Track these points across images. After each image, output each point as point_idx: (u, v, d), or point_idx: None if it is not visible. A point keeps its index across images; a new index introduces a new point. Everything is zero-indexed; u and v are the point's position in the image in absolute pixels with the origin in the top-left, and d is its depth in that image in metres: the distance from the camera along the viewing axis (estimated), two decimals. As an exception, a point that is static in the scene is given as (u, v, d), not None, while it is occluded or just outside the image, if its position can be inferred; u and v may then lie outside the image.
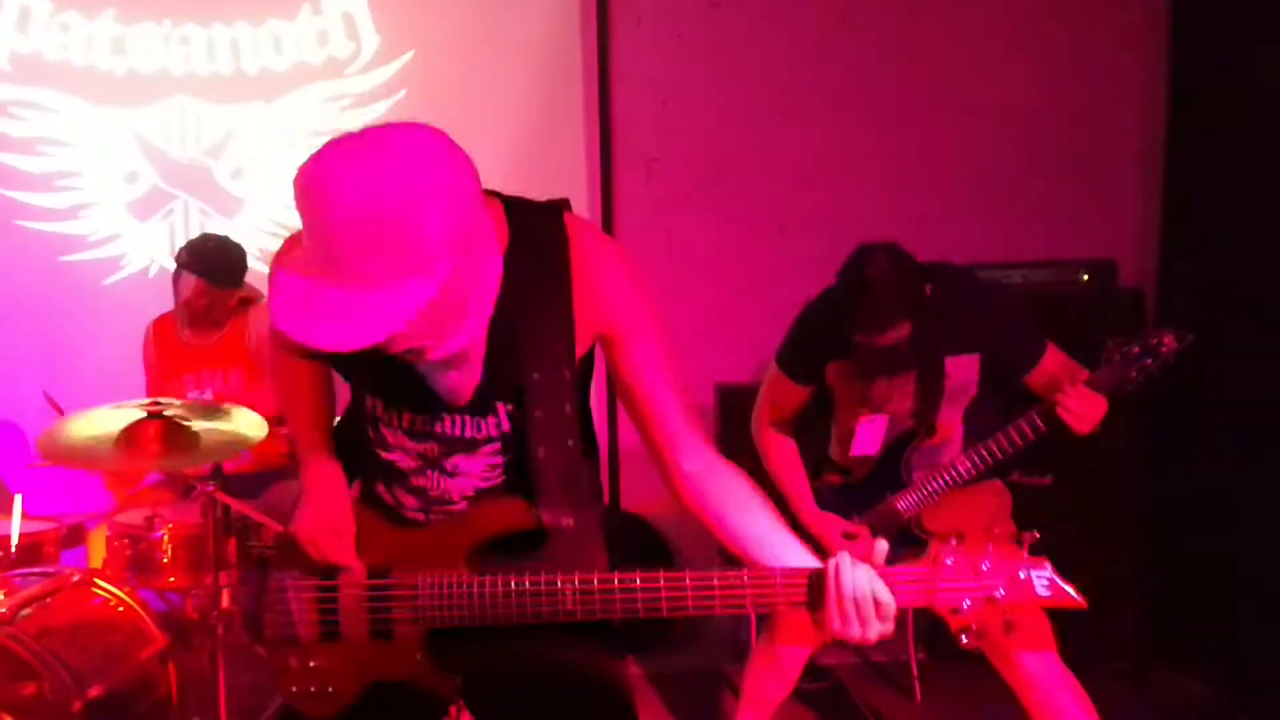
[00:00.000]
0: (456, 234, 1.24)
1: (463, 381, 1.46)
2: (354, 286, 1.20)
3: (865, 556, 1.38)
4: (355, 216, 1.18)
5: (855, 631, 1.34)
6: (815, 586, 1.37)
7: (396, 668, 1.56)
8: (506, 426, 1.53)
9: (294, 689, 1.59)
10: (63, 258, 3.99)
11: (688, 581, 1.41)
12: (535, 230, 1.46)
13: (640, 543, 4.07)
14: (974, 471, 2.42)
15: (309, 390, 1.69)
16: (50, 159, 4.00)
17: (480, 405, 1.51)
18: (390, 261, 1.20)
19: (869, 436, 2.51)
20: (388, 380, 1.52)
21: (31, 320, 3.96)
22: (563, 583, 1.45)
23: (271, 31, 4.02)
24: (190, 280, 3.47)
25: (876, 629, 1.35)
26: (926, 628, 3.62)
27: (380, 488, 1.64)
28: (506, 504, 1.54)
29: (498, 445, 1.54)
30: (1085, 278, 3.51)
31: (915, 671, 3.50)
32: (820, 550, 1.46)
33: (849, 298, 2.34)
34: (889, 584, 1.36)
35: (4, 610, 2.37)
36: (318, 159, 1.24)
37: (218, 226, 4.02)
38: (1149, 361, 2.25)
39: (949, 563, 1.37)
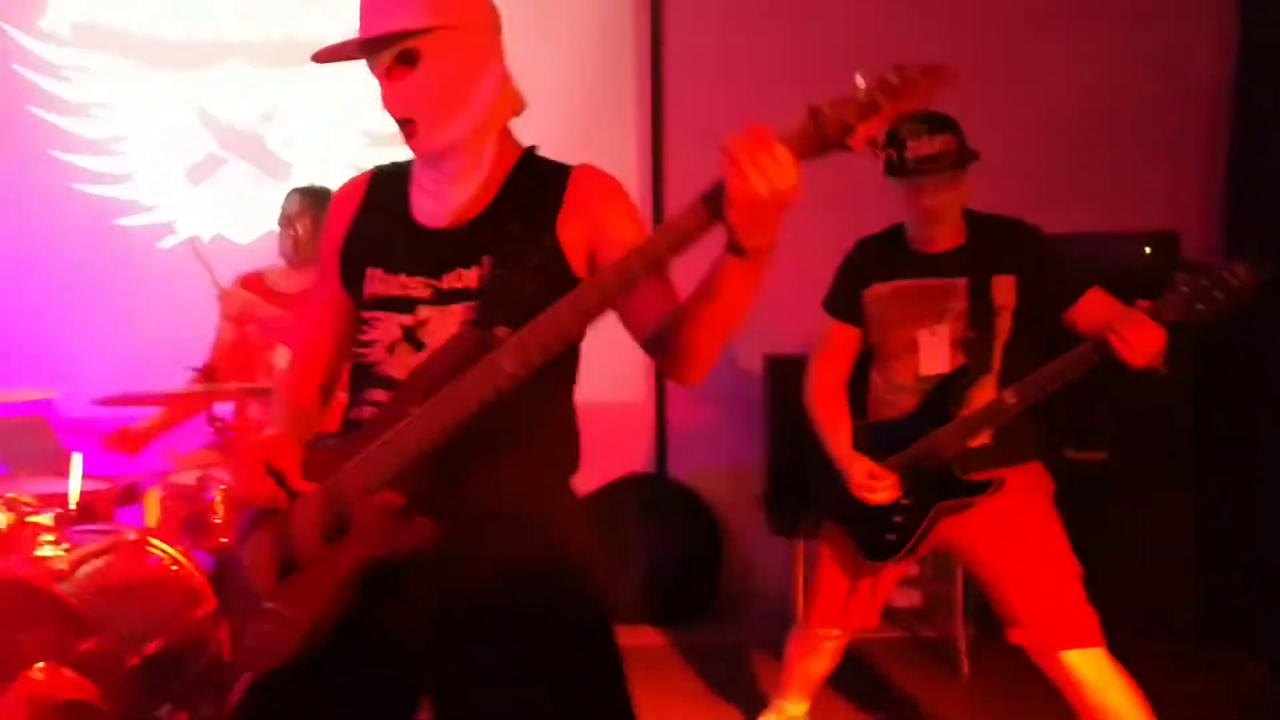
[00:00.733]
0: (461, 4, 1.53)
1: (450, 197, 1.59)
2: (384, 20, 1.51)
3: None
4: None
5: (760, 183, 1.29)
6: (715, 192, 1.35)
7: (362, 549, 1.48)
8: (485, 282, 1.55)
9: (251, 643, 1.57)
10: (118, 221, 4.04)
11: (632, 253, 1.40)
12: (546, 159, 1.67)
13: (687, 512, 4.07)
14: (1020, 406, 2.32)
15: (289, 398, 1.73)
16: (105, 123, 4.04)
17: (466, 256, 1.56)
18: (399, 5, 1.51)
19: (936, 351, 2.45)
20: (391, 242, 1.62)
21: (85, 283, 4.01)
22: (493, 354, 1.43)
23: (326, -3, 4.02)
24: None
25: (785, 174, 1.30)
26: (975, 604, 3.58)
27: (353, 413, 1.62)
28: (441, 349, 1.52)
29: (471, 305, 1.54)
30: (1148, 250, 3.43)
31: (964, 647, 3.46)
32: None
33: (900, 125, 2.38)
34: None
35: (65, 566, 2.41)
36: None
37: (270, 191, 4.03)
38: (1219, 294, 2.10)
39: (826, 108, 1.33)
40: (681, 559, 4.00)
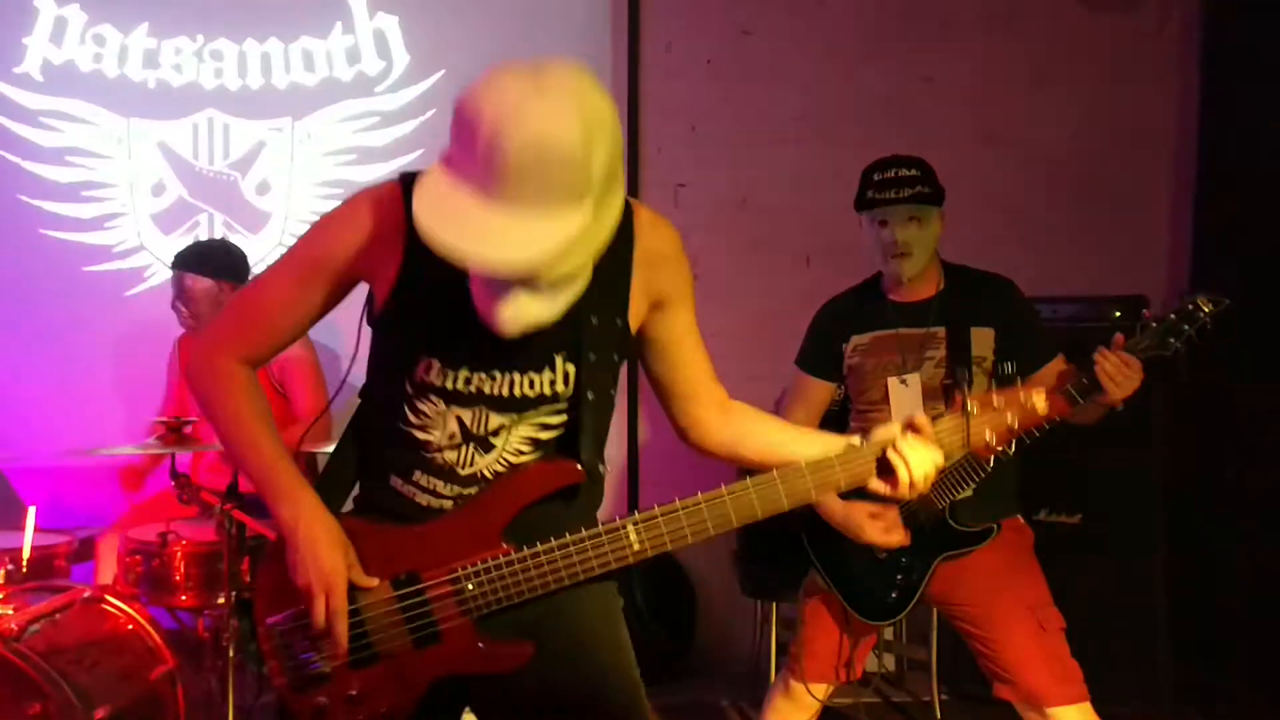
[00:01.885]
0: (611, 167, 1.31)
1: (536, 313, 1.38)
2: (519, 210, 1.25)
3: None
4: (540, 143, 1.24)
5: (917, 491, 1.55)
6: (881, 462, 1.56)
7: (452, 665, 1.51)
8: (563, 385, 1.50)
9: None
10: (86, 268, 3.99)
11: (776, 478, 1.53)
12: None
13: (659, 571, 4.02)
14: (1008, 451, 2.32)
15: (265, 420, 1.55)
16: (78, 169, 4.01)
17: (538, 355, 1.48)
18: (559, 189, 1.26)
19: (904, 402, 2.44)
20: (455, 332, 1.45)
21: (52, 329, 3.95)
22: (623, 523, 1.48)
23: (303, 47, 4.03)
24: (202, 282, 3.30)
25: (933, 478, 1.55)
26: (948, 667, 3.54)
27: (395, 481, 1.54)
28: (532, 469, 1.53)
29: (549, 407, 1.51)
30: (1117, 315, 3.45)
31: (939, 713, 3.42)
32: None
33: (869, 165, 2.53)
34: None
35: (13, 626, 2.33)
36: (498, 87, 1.29)
37: (241, 241, 4.01)
38: (1185, 326, 2.17)
39: (972, 408, 1.60)
40: (653, 618, 3.94)
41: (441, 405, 1.51)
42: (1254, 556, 3.40)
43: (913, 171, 2.48)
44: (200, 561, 2.86)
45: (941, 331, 2.46)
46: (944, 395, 2.44)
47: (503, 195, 1.25)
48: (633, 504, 4.12)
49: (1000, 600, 2.37)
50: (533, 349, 1.47)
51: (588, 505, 1.56)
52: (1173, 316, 2.19)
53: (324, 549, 1.47)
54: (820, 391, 2.62)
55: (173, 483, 2.85)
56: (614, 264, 1.47)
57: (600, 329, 1.49)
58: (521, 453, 1.53)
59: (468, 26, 4.02)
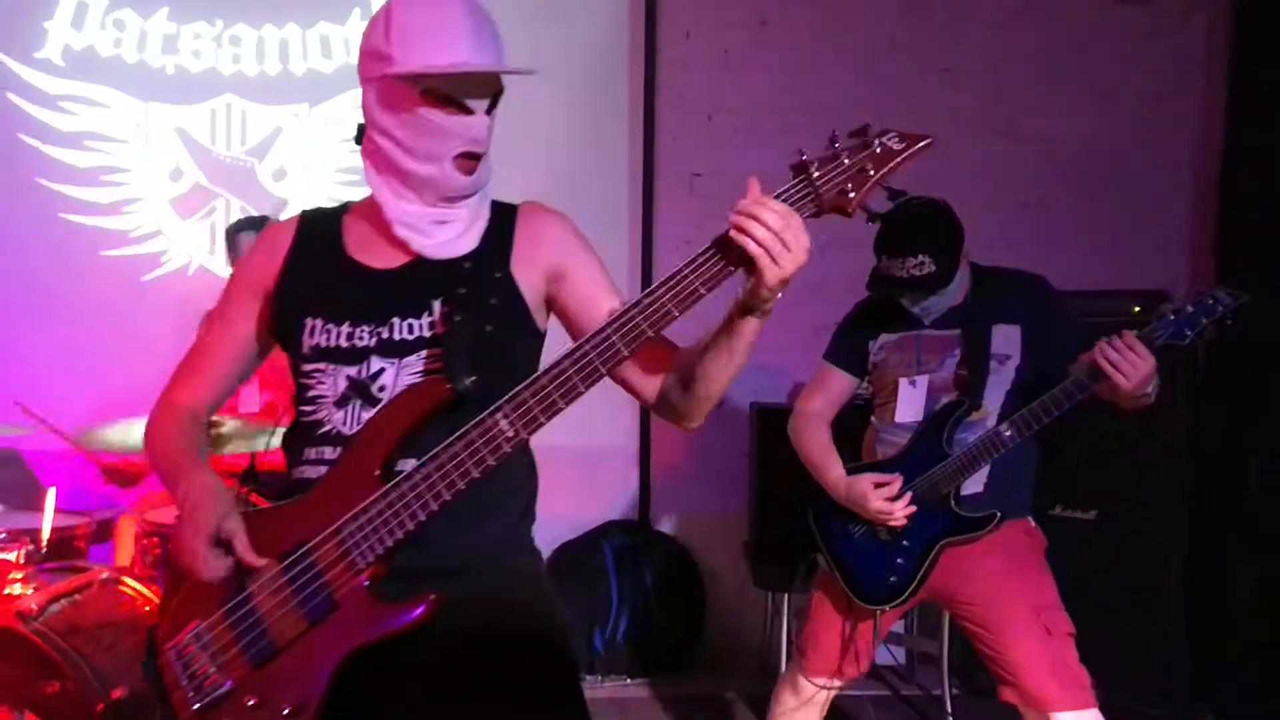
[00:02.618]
0: None
1: (441, 235, 1.53)
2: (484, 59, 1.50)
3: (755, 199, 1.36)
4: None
5: (789, 263, 1.33)
6: (723, 244, 1.36)
7: (356, 634, 1.40)
8: (440, 328, 1.49)
9: None
10: (104, 252, 4.01)
11: (631, 311, 1.38)
12: (496, 203, 1.62)
13: (670, 562, 4.03)
14: (1016, 438, 2.33)
15: (177, 437, 1.62)
16: (96, 154, 4.02)
17: (415, 301, 1.51)
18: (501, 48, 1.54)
19: (911, 401, 2.45)
20: (333, 290, 1.55)
21: (69, 313, 3.97)
22: (489, 412, 1.38)
23: (320, 34, 4.04)
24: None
25: (803, 248, 1.33)
26: (960, 661, 3.54)
27: (294, 473, 1.54)
28: (396, 397, 1.46)
29: (428, 352, 1.49)
30: (1137, 310, 3.43)
31: (949, 707, 3.42)
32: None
33: (881, 226, 2.37)
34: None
35: (32, 606, 2.35)
36: None
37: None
38: (1203, 319, 2.16)
39: (817, 170, 1.37)
40: (664, 609, 3.95)
41: (330, 367, 1.52)
42: (1273, 558, 3.38)
43: (922, 258, 2.38)
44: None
45: (959, 333, 2.46)
46: (956, 386, 2.45)
47: (468, 53, 1.49)
48: (645, 490, 4.12)
49: (1007, 602, 2.35)
50: (410, 295, 1.52)
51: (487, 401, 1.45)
52: (1190, 308, 2.18)
53: (206, 508, 1.47)
54: (841, 382, 2.62)
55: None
56: (497, 233, 1.56)
57: (473, 270, 1.52)
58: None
59: (486, 14, 4.01)
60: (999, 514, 2.38)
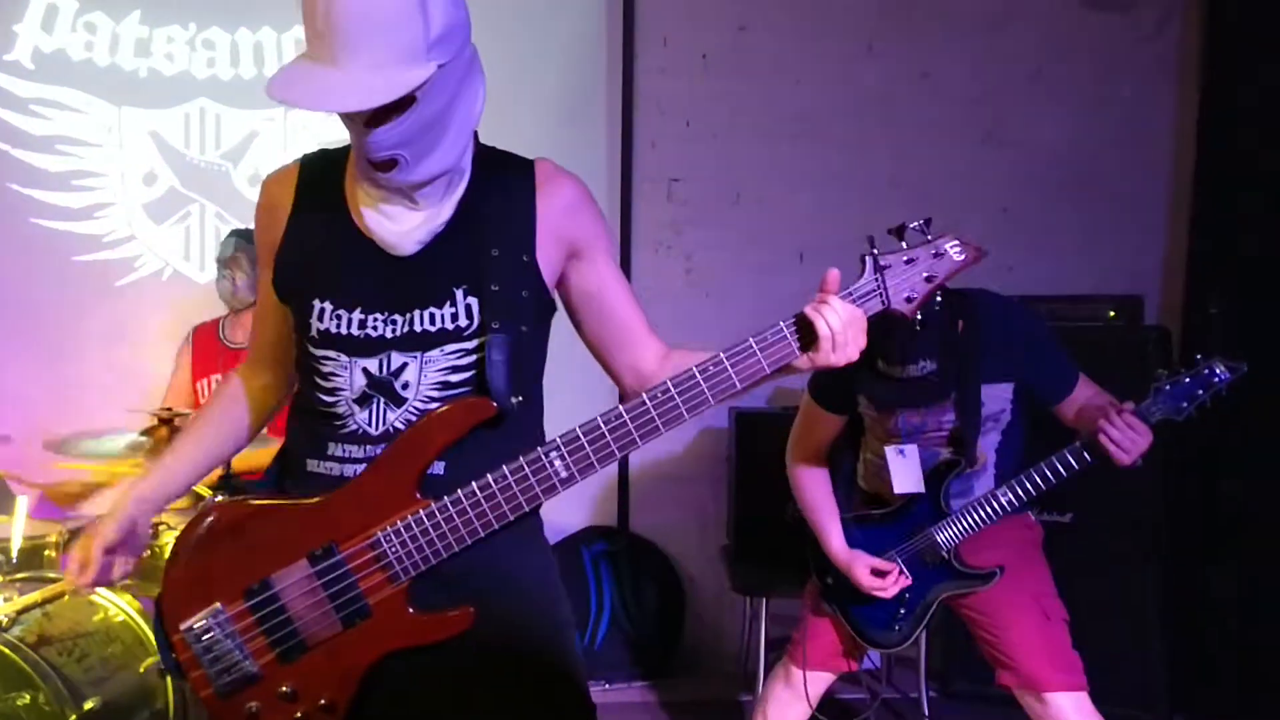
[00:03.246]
0: (451, 34, 1.35)
1: (417, 222, 1.44)
2: (352, 69, 1.30)
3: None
4: (356, 7, 1.28)
5: (844, 356, 1.45)
6: (803, 327, 1.46)
7: (388, 641, 1.42)
8: (465, 320, 1.44)
9: None
10: (76, 257, 3.96)
11: (696, 376, 1.43)
12: (497, 150, 1.56)
13: (649, 567, 4.02)
14: (1015, 504, 2.36)
15: (195, 421, 1.69)
16: (69, 158, 3.98)
17: (436, 289, 1.44)
18: (390, 47, 1.30)
19: (907, 471, 2.42)
20: (343, 270, 1.47)
21: (42, 318, 3.92)
22: (545, 451, 1.40)
23: (296, 37, 4.00)
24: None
25: (860, 345, 1.46)
26: (937, 664, 3.55)
27: (310, 464, 1.50)
28: (439, 411, 1.43)
29: (454, 346, 1.44)
30: (1112, 314, 3.46)
31: (926, 710, 3.43)
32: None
33: (875, 329, 2.26)
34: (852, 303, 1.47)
35: (2, 617, 2.31)
36: None
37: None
38: (1200, 392, 2.18)
39: (886, 264, 1.50)
40: (643, 614, 3.94)
41: (344, 358, 1.46)
42: (1249, 565, 3.41)
43: (923, 362, 2.28)
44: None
45: (950, 400, 2.38)
46: (950, 443, 2.43)
47: (331, 58, 1.31)
48: (624, 495, 4.11)
49: (1007, 589, 2.40)
50: (429, 282, 1.44)
51: (511, 443, 1.44)
52: (1187, 380, 2.19)
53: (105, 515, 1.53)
54: (829, 426, 2.55)
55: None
56: (516, 205, 1.48)
57: (502, 260, 1.44)
58: (432, 400, 1.44)
59: (463, 19, 4.00)
60: (999, 570, 2.40)
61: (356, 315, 1.45)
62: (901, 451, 2.42)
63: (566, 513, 4.04)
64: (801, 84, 4.05)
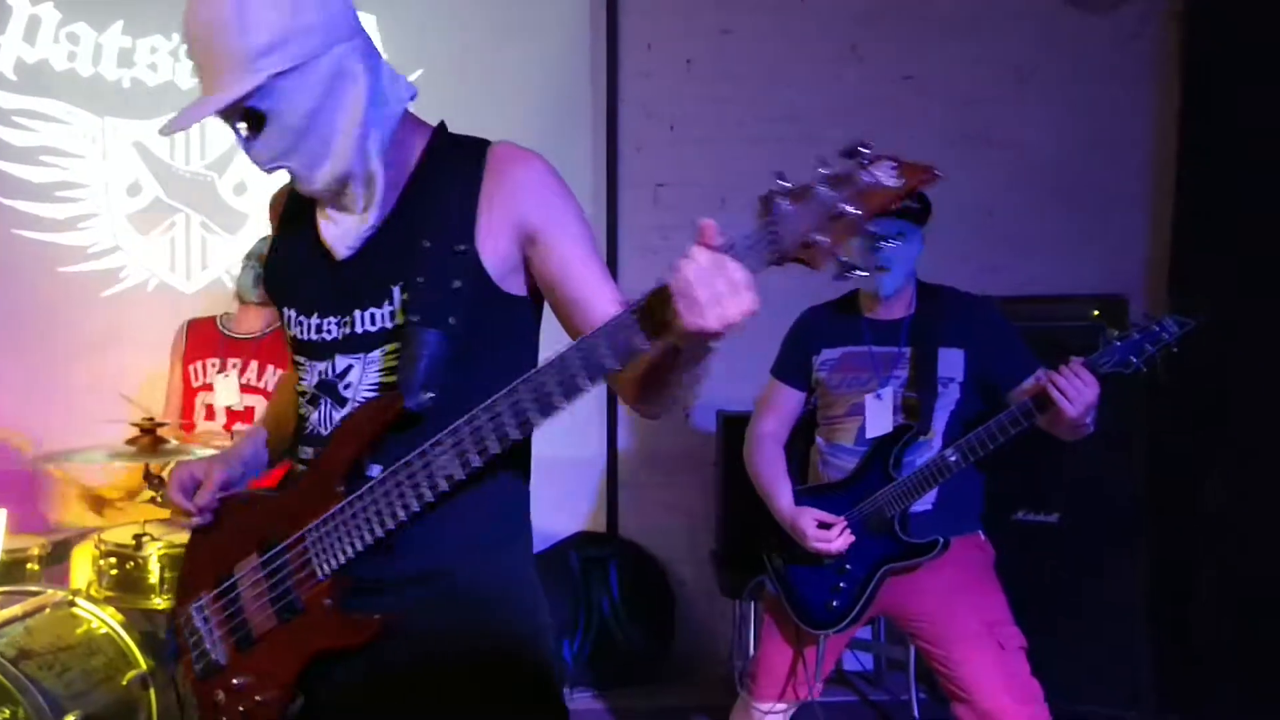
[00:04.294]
0: (287, 42, 1.33)
1: (352, 226, 1.44)
2: (207, 88, 1.36)
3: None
4: (195, 24, 1.34)
5: (715, 314, 1.15)
6: (659, 296, 1.19)
7: (316, 639, 1.42)
8: (402, 317, 1.40)
9: (241, 711, 1.48)
10: (61, 268, 3.95)
11: (572, 353, 1.26)
12: (458, 138, 1.51)
13: (638, 572, 4.01)
14: (962, 464, 2.35)
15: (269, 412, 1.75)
16: (52, 169, 3.97)
17: (375, 289, 1.43)
18: (220, 64, 1.33)
19: (881, 414, 2.45)
20: (302, 279, 1.51)
21: (27, 330, 3.91)
22: (431, 444, 1.34)
23: (279, 47, 3.99)
24: None
25: (739, 302, 1.15)
26: (927, 667, 3.55)
27: (293, 466, 1.57)
28: (355, 411, 1.43)
29: (392, 346, 1.42)
30: (1096, 314, 3.46)
31: (916, 713, 3.42)
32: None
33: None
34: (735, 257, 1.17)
35: (-17, 630, 2.31)
36: None
37: (219, 242, 3.99)
38: (1149, 346, 2.18)
39: (785, 207, 1.13)
40: (633, 620, 3.93)
41: (308, 363, 1.50)
42: (1233, 561, 3.41)
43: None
44: (176, 563, 2.83)
45: (909, 352, 2.47)
46: (904, 410, 2.47)
47: (202, 80, 1.37)
48: (612, 500, 4.10)
49: (958, 618, 2.37)
50: (367, 282, 1.44)
51: (434, 435, 1.38)
52: (1136, 335, 2.20)
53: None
54: (791, 399, 2.64)
55: (146, 484, 2.82)
56: (458, 193, 1.42)
57: (432, 252, 1.39)
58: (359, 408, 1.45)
59: (446, 25, 4.00)
60: (942, 540, 2.38)
61: (314, 320, 1.49)
62: (879, 395, 2.47)
63: (555, 519, 4.04)
64: (786, 87, 4.06)
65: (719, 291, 1.14)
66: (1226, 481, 3.48)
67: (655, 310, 1.21)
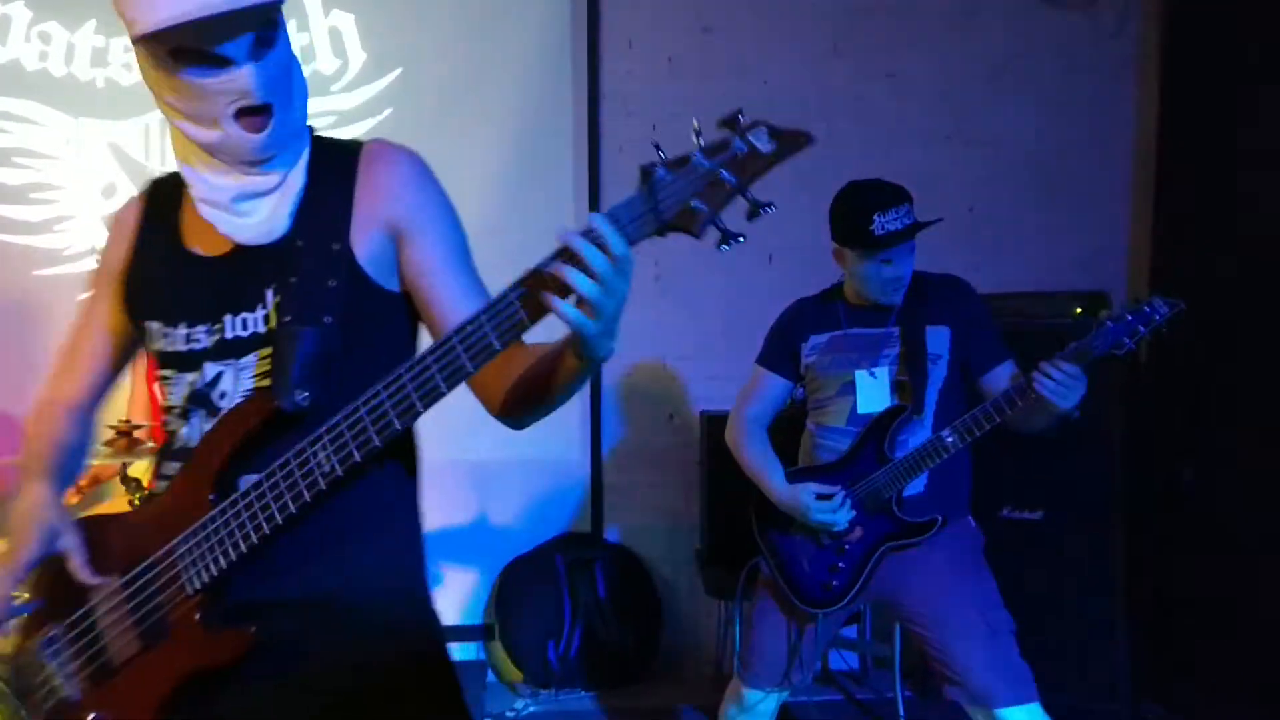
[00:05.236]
0: None
1: (264, 211, 1.38)
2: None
3: None
4: None
5: (592, 290, 1.13)
6: (539, 277, 1.17)
7: (184, 661, 1.32)
8: (275, 320, 1.36)
9: None
10: (37, 272, 3.90)
11: (453, 340, 1.20)
12: (330, 140, 1.48)
13: (623, 572, 4.00)
14: (959, 444, 2.37)
15: (36, 447, 1.55)
16: (27, 171, 3.91)
17: (248, 294, 1.38)
18: None
19: (874, 391, 2.47)
20: (168, 288, 1.43)
21: (4, 334, 3.86)
22: (310, 442, 1.26)
23: (256, 46, 3.96)
24: None
25: (619, 282, 1.16)
26: (913, 664, 3.55)
27: (158, 485, 1.45)
28: (224, 414, 1.36)
29: (265, 351, 1.36)
30: (1079, 310, 3.48)
31: (901, 711, 3.43)
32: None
33: (848, 201, 2.49)
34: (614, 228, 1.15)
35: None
36: None
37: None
38: (1140, 328, 2.21)
39: (663, 176, 1.14)
40: (618, 620, 3.92)
41: (176, 375, 1.42)
42: (1212, 556, 3.43)
43: (907, 206, 2.47)
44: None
45: (898, 332, 2.50)
46: (896, 391, 2.49)
47: None
48: (596, 502, 4.09)
49: (950, 602, 2.39)
50: (240, 286, 1.39)
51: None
52: (1129, 317, 2.22)
53: (24, 532, 1.41)
54: (775, 386, 2.65)
55: (124, 487, 2.79)
56: (333, 193, 1.40)
57: (305, 251, 1.36)
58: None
59: (425, 24, 3.97)
60: (940, 518, 2.41)
61: (182, 330, 1.42)
62: (872, 374, 2.48)
63: (540, 521, 4.03)
64: (767, 85, 4.05)
65: (599, 265, 1.13)
66: (1204, 474, 3.51)
67: (537, 290, 1.17)
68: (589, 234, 1.14)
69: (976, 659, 2.33)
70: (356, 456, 1.25)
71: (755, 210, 1.16)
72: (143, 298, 1.47)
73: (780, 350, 2.64)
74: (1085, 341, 2.23)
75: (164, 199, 1.50)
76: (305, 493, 1.27)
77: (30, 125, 3.90)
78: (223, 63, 1.29)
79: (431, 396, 1.22)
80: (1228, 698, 3.31)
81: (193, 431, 1.40)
